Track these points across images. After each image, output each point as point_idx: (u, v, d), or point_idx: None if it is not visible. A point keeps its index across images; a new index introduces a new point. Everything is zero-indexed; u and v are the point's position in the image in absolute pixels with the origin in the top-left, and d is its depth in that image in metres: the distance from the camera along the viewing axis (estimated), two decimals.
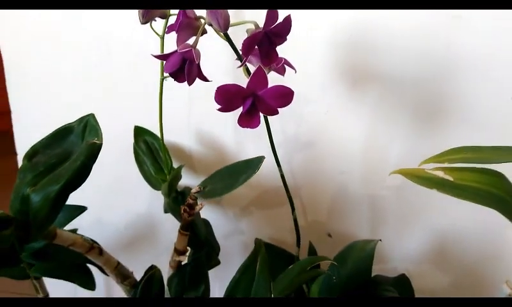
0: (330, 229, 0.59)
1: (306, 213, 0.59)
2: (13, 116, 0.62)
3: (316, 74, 0.52)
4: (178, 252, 0.44)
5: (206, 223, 0.52)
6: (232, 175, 0.36)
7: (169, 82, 0.43)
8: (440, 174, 0.36)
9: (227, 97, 0.33)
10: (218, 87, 0.33)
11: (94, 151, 0.35)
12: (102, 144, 0.36)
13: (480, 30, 0.47)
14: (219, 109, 0.34)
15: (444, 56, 0.49)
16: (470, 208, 0.54)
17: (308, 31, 0.51)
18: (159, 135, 0.48)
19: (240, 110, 0.35)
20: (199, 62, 0.32)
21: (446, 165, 0.35)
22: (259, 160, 0.35)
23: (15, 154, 0.63)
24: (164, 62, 0.32)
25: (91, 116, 0.37)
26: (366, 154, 0.55)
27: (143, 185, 0.59)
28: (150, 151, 0.52)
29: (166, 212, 0.52)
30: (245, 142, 0.57)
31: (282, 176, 0.45)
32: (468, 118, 0.50)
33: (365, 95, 0.53)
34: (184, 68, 0.31)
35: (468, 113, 0.50)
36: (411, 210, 0.56)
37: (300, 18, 0.49)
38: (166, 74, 0.43)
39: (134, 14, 0.37)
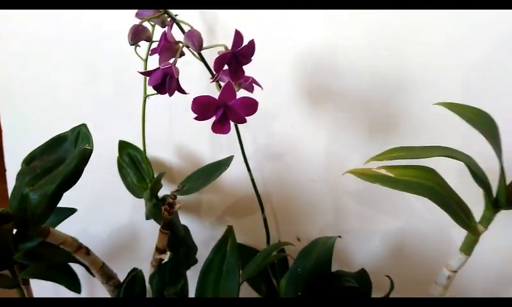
0: (299, 232, 0.65)
1: (277, 219, 0.65)
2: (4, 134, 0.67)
3: (282, 93, 0.59)
4: (159, 251, 0.48)
5: (185, 228, 0.57)
6: (207, 174, 0.42)
7: (152, 100, 0.50)
8: (383, 171, 0.42)
9: (202, 107, 0.39)
10: (194, 99, 0.39)
11: (86, 156, 0.40)
12: (92, 149, 0.41)
13: (424, 54, 0.55)
14: (195, 118, 0.40)
15: (393, 77, 0.57)
16: (422, 209, 0.62)
17: (274, 55, 0.58)
18: (141, 148, 0.54)
19: (213, 120, 0.41)
20: (178, 78, 0.38)
21: (386, 162, 0.42)
22: (229, 158, 0.41)
23: (4, 171, 0.67)
24: (148, 78, 0.38)
25: (83, 125, 0.42)
26: (329, 163, 0.62)
27: (125, 196, 0.64)
28: (133, 162, 0.57)
29: (147, 218, 0.57)
30: (220, 155, 0.63)
31: (252, 180, 0.51)
32: (415, 129, 0.57)
33: (325, 111, 0.60)
34: (165, 82, 0.37)
35: (415, 125, 0.57)
36: (371, 213, 0.62)
37: (266, 41, 0.56)
38: (148, 92, 0.49)
39: (120, 40, 0.43)
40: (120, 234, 0.67)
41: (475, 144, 0.40)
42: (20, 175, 0.40)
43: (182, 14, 0.42)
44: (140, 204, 0.61)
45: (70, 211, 0.49)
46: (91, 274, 0.51)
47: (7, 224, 0.37)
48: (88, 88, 0.62)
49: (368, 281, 0.55)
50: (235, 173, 0.65)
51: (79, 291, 0.55)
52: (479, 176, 0.40)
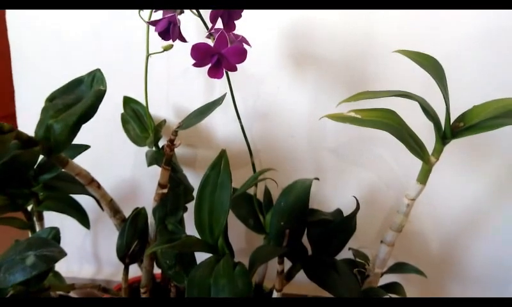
0: (283, 183, 0.72)
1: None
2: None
3: (269, 58, 0.67)
4: (161, 186, 0.55)
5: (183, 174, 0.64)
6: (202, 112, 0.49)
7: (152, 65, 0.57)
8: (352, 114, 0.50)
9: (199, 53, 0.47)
10: (193, 46, 0.46)
11: (100, 95, 0.48)
12: (106, 90, 0.48)
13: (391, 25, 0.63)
14: (193, 64, 0.48)
15: (365, 43, 0.65)
16: (390, 163, 0.70)
17: (263, 25, 0.66)
18: (144, 104, 0.61)
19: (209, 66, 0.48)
20: (179, 26, 0.46)
21: (355, 104, 0.50)
22: (222, 97, 0.49)
23: None
24: (155, 27, 0.46)
25: (98, 70, 0.49)
26: (310, 122, 0.70)
27: (127, 153, 0.71)
28: (136, 115, 0.64)
29: (150, 164, 0.64)
30: (214, 114, 0.70)
31: (242, 128, 0.58)
32: (384, 87, 0.65)
33: (306, 74, 0.68)
34: (169, 29, 0.45)
35: (385, 84, 0.65)
36: (346, 166, 0.71)
37: (255, 13, 0.64)
38: (150, 52, 0.56)
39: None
40: (121, 187, 0.74)
41: (430, 92, 0.49)
42: (44, 110, 0.47)
43: None
44: (141, 159, 0.68)
45: (85, 147, 0.56)
46: (101, 207, 0.58)
47: (36, 147, 0.44)
48: (96, 53, 0.69)
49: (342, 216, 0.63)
50: (227, 131, 0.73)
51: (88, 226, 0.62)
52: (430, 114, 0.48)
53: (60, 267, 0.70)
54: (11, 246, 0.46)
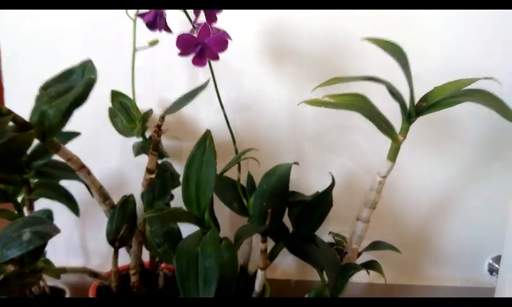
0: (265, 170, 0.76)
1: (247, 162, 0.76)
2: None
3: (249, 53, 0.71)
4: (149, 171, 0.59)
5: (169, 162, 0.67)
6: (188, 97, 0.52)
7: (138, 58, 0.60)
8: (327, 99, 0.55)
9: (184, 43, 0.51)
10: (178, 36, 0.50)
11: (91, 83, 0.51)
12: (96, 79, 0.51)
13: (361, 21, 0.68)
14: (179, 54, 0.52)
15: (340, 38, 0.70)
16: (364, 148, 0.74)
17: (245, 20, 0.70)
18: (131, 97, 0.65)
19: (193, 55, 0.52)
20: (165, 18, 0.50)
21: (329, 89, 0.54)
22: (206, 82, 0.52)
23: None
24: (142, 19, 0.49)
25: (89, 61, 0.53)
26: (290, 112, 0.74)
27: (114, 145, 0.74)
28: (123, 108, 0.67)
29: (137, 154, 0.67)
30: (198, 105, 0.74)
31: (225, 117, 0.62)
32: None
33: (286, 67, 0.72)
34: (155, 20, 0.49)
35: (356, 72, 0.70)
36: (324, 153, 0.75)
37: (238, 12, 0.68)
38: (137, 47, 0.60)
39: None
40: (109, 179, 0.77)
41: (397, 79, 0.54)
42: (38, 98, 0.50)
43: None
44: (127, 152, 0.71)
45: (75, 134, 0.59)
46: (91, 193, 0.61)
47: (31, 130, 0.47)
48: (85, 50, 0.72)
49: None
50: (211, 123, 0.76)
51: (77, 213, 0.65)
52: (396, 96, 0.53)
53: (49, 256, 0.73)
54: (7, 225, 0.49)
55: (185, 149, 0.77)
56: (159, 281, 0.68)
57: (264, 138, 0.75)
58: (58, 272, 0.58)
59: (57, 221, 0.74)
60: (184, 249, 0.45)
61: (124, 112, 0.67)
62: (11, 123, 0.46)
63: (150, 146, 0.58)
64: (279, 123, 0.74)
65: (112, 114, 0.70)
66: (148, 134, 0.68)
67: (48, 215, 0.51)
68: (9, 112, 0.44)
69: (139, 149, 0.65)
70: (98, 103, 0.71)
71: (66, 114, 0.49)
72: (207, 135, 0.50)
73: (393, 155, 0.55)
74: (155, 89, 0.74)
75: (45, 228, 0.47)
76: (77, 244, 0.82)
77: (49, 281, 0.74)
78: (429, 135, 0.74)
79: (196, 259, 0.44)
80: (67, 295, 0.73)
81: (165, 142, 0.74)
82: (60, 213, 0.68)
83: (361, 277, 0.80)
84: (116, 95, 0.69)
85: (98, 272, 0.64)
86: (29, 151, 0.56)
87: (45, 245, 0.52)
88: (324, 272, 0.57)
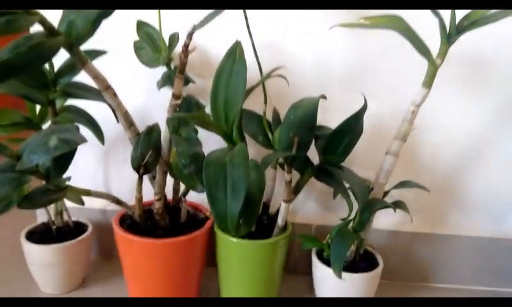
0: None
1: (271, 98, 0.74)
2: None
3: None
4: (175, 96, 0.57)
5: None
6: (214, 14, 0.51)
7: None
8: (362, 21, 0.52)
9: None
10: None
11: None
12: None
13: None
14: None
15: None
16: (392, 92, 0.72)
17: None
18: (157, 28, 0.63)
19: None
20: None
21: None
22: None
23: None
24: None
25: None
26: (317, 52, 0.72)
27: (137, 84, 0.73)
28: (149, 38, 0.66)
29: (163, 85, 0.66)
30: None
31: (253, 45, 0.60)
32: None
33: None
34: None
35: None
36: (351, 94, 0.73)
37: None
38: None
39: None
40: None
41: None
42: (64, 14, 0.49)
43: None
44: (151, 91, 0.70)
45: (102, 52, 0.58)
46: (116, 118, 0.60)
47: (60, 36, 0.46)
48: None
49: None
50: None
51: (102, 141, 0.64)
52: (437, 14, 0.50)
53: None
54: (33, 134, 0.48)
55: (208, 89, 0.76)
56: (181, 215, 0.67)
57: (290, 75, 0.73)
58: (83, 193, 0.58)
59: (80, 158, 0.75)
60: (212, 158, 0.44)
61: (149, 42, 0.66)
62: (39, 28, 0.45)
63: (176, 73, 0.57)
64: (306, 63, 0.72)
65: (138, 47, 0.69)
66: (173, 65, 0.68)
67: (75, 127, 0.51)
68: (37, 13, 0.43)
69: (165, 79, 0.64)
70: (122, 38, 0.72)
71: (95, 24, 0.48)
72: (237, 45, 0.48)
73: (429, 80, 0.53)
74: (183, 17, 0.72)
75: (72, 135, 0.46)
76: (100, 182, 0.83)
77: (73, 217, 0.75)
78: (462, 81, 0.71)
79: (224, 168, 0.43)
80: (89, 230, 0.73)
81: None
82: (83, 151, 0.68)
83: (384, 225, 0.78)
84: (141, 25, 0.68)
85: (122, 200, 0.64)
86: (55, 69, 0.55)
87: (71, 156, 0.52)
88: (352, 195, 0.56)
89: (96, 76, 0.54)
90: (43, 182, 0.54)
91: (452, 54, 0.54)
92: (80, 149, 0.56)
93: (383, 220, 0.78)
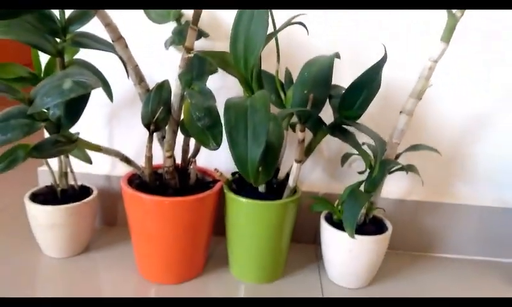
0: None
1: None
2: None
3: None
4: (188, 49, 0.56)
5: None
6: None
7: None
8: None
9: None
10: None
11: None
12: None
13: None
14: None
15: None
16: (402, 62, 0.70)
17: None
18: None
19: None
20: None
21: None
22: None
23: None
24: None
25: None
26: (327, 13, 0.71)
27: (144, 44, 0.72)
28: None
29: (170, 44, 0.65)
30: None
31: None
32: None
33: None
34: None
35: None
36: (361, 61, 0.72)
37: None
38: None
39: None
40: None
41: None
42: None
43: None
44: (159, 51, 0.69)
45: None
46: (127, 72, 0.59)
47: None
48: None
49: None
50: None
51: (111, 98, 0.63)
52: None
53: (75, 162, 0.71)
54: (47, 77, 0.47)
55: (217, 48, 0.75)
56: (191, 175, 0.66)
57: (302, 42, 0.72)
58: (93, 148, 0.56)
59: (86, 124, 0.73)
60: (232, 103, 0.43)
61: None
62: None
63: (188, 26, 0.56)
64: (317, 21, 0.71)
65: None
66: (183, 21, 0.66)
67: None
68: None
69: (176, 33, 0.63)
70: None
71: None
72: None
73: (448, 34, 0.52)
74: None
75: (87, 78, 0.45)
76: (106, 144, 0.81)
77: (78, 181, 0.74)
78: (470, 52, 0.71)
79: (245, 113, 0.42)
80: (94, 193, 0.72)
81: (200, 42, 0.71)
82: (90, 109, 0.66)
83: (392, 193, 0.78)
84: None
85: (131, 159, 0.63)
86: (66, 16, 0.54)
87: (83, 104, 0.51)
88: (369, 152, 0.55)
89: (108, 23, 0.52)
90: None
91: (459, 31, 0.54)
92: (87, 109, 0.55)
93: (390, 189, 0.78)
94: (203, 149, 0.68)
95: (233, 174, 0.71)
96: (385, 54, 0.53)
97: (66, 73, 0.45)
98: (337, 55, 0.61)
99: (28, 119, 0.46)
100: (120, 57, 0.56)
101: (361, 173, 0.62)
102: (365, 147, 0.63)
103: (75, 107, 0.51)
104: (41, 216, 0.66)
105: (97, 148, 0.57)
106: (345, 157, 0.69)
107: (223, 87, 0.75)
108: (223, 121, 0.43)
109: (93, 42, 0.55)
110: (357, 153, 0.65)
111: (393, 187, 0.79)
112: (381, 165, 0.58)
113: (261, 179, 0.53)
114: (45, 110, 0.49)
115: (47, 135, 0.53)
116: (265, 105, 0.43)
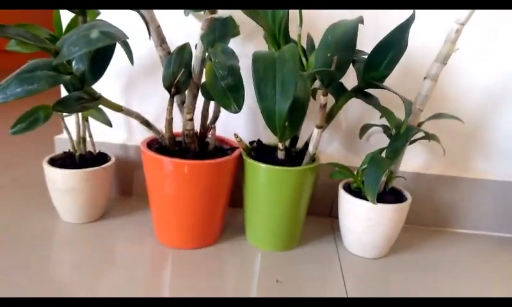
0: None
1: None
2: None
3: None
4: (211, 11, 0.56)
5: None
6: None
7: None
8: None
9: None
10: None
11: None
12: None
13: None
14: None
15: None
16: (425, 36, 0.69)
17: None
18: None
19: None
20: None
21: None
22: None
23: None
24: None
25: None
26: None
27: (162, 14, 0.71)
28: None
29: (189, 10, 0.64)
30: None
31: None
32: None
33: None
34: None
35: None
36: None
37: None
38: None
39: None
40: None
41: None
42: None
43: None
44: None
45: None
46: (149, 32, 0.58)
47: None
48: None
49: None
50: None
51: (132, 61, 0.63)
52: None
53: (93, 130, 0.71)
54: (72, 30, 0.46)
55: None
56: (210, 142, 0.66)
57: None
58: (115, 107, 0.56)
59: (104, 91, 0.73)
60: (261, 55, 0.43)
61: None
62: None
63: None
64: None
65: None
66: None
67: None
68: None
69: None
70: None
71: None
72: None
73: None
74: None
75: (115, 30, 0.45)
76: (122, 117, 0.81)
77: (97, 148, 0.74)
78: (489, 29, 0.70)
79: (273, 64, 0.42)
80: (112, 160, 0.72)
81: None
82: (106, 84, 0.65)
83: (409, 167, 0.78)
84: None
85: (151, 123, 0.62)
86: None
87: (108, 59, 0.51)
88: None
89: None
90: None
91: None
92: (104, 76, 0.54)
93: (408, 163, 0.78)
94: (220, 119, 0.68)
95: (251, 142, 0.71)
96: (413, 13, 0.52)
97: (92, 25, 0.45)
98: (361, 20, 0.60)
99: (53, 72, 0.46)
100: (143, 17, 0.56)
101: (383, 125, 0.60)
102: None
103: (99, 62, 0.50)
104: (60, 180, 0.66)
105: (118, 108, 0.57)
106: (364, 129, 0.68)
107: (243, 55, 0.74)
108: (251, 72, 0.43)
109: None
110: (376, 124, 0.65)
111: (411, 160, 0.78)
112: (404, 133, 0.57)
113: (287, 134, 0.52)
114: (70, 66, 0.49)
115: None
116: (294, 57, 0.42)
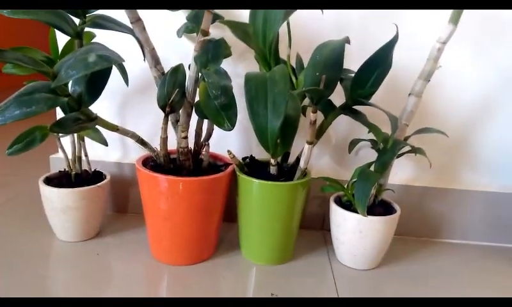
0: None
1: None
2: None
3: None
4: (204, 32, 0.58)
5: None
6: None
7: None
8: None
9: None
10: None
11: None
12: None
13: None
14: None
15: None
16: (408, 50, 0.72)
17: None
18: None
19: None
20: None
21: None
22: None
23: None
24: None
25: None
26: None
27: (155, 34, 0.73)
28: None
29: (183, 33, 0.66)
30: None
31: None
32: None
33: None
34: None
35: None
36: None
37: None
38: None
39: None
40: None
41: None
42: None
43: None
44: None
45: None
46: (143, 54, 0.60)
47: None
48: None
49: None
50: None
51: (127, 82, 0.64)
52: None
53: (88, 149, 0.73)
54: (70, 53, 0.48)
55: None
56: (204, 158, 0.68)
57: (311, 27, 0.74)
58: (111, 127, 0.58)
59: (99, 112, 0.74)
60: (253, 75, 0.45)
61: None
62: None
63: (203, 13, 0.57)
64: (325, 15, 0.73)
65: None
66: None
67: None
68: None
69: (190, 19, 0.64)
70: None
71: None
72: None
73: (456, 16, 0.54)
74: None
75: (111, 53, 0.46)
76: (116, 137, 0.82)
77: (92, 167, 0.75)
78: (475, 40, 0.73)
79: (264, 84, 0.44)
80: (107, 178, 0.73)
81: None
82: (101, 104, 0.66)
83: (397, 179, 0.80)
84: None
85: (146, 141, 0.64)
86: None
87: (105, 81, 0.52)
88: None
89: None
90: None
91: (466, 15, 0.55)
92: (100, 97, 0.56)
93: (396, 176, 0.80)
94: (213, 136, 0.70)
95: (244, 158, 0.73)
96: (397, 33, 0.55)
97: (90, 48, 0.47)
98: (347, 40, 0.62)
99: (51, 94, 0.47)
100: (138, 39, 0.58)
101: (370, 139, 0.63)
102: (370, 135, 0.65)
103: (96, 84, 0.52)
104: (56, 199, 0.67)
105: (115, 128, 0.58)
106: (353, 143, 0.70)
107: (234, 74, 0.76)
108: (243, 92, 0.45)
109: (112, 24, 0.57)
110: (364, 139, 0.67)
111: (399, 173, 0.80)
112: (391, 146, 0.60)
113: (279, 151, 0.54)
114: (67, 87, 0.51)
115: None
116: (285, 78, 0.44)
